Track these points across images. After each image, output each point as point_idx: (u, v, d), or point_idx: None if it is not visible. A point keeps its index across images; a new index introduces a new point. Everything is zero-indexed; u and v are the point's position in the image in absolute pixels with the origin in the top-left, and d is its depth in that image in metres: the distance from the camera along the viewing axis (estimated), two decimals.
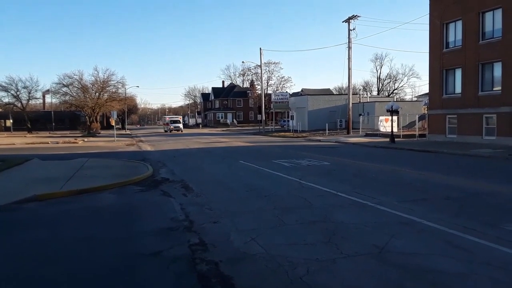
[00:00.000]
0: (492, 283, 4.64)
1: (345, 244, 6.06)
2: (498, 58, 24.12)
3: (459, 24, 26.89)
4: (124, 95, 71.01)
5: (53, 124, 75.37)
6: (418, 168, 15.04)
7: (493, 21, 24.64)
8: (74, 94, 62.83)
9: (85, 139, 40.98)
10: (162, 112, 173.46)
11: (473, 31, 25.64)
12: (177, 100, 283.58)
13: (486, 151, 19.87)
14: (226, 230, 7.04)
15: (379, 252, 5.71)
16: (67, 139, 39.68)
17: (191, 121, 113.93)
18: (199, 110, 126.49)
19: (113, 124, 42.74)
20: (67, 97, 63.34)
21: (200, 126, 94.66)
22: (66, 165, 16.57)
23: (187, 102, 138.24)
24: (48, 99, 78.60)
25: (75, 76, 61.80)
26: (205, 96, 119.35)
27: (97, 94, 63.39)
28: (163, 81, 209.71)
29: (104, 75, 64.01)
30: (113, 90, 66.54)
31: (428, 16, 29.59)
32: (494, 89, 24.82)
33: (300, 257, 5.55)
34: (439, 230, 6.69)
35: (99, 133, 57.22)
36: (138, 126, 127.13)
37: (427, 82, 30.51)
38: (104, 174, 13.68)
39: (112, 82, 64.79)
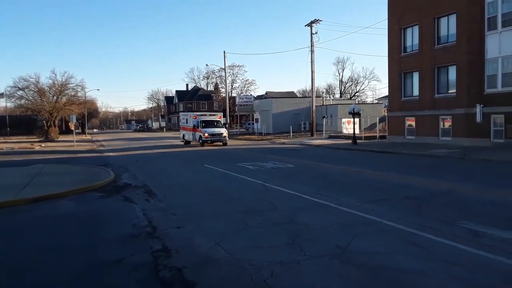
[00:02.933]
0: (450, 279, 4.81)
1: (309, 246, 6.12)
2: (452, 62, 25.20)
3: (416, 29, 27.91)
4: (84, 98, 68.92)
5: (8, 129, 72.02)
6: (378, 169, 15.44)
7: (448, 26, 25.75)
8: (30, 97, 60.33)
9: (43, 145, 39.39)
10: (124, 116, 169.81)
11: (429, 36, 26.68)
12: (140, 103, 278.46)
13: (442, 152, 20.68)
14: (190, 235, 6.95)
15: (342, 252, 5.80)
16: (23, 145, 38.01)
17: (155, 125, 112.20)
18: (162, 113, 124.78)
19: (73, 128, 41.29)
20: (22, 101, 60.66)
21: (164, 129, 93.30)
22: (22, 171, 15.88)
23: (150, 105, 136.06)
24: (2, 103, 75.18)
25: (31, 79, 59.31)
26: (168, 99, 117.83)
27: (55, 97, 61.17)
28: (126, 84, 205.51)
29: (62, 78, 61.80)
30: (72, 93, 64.34)
31: (387, 21, 30.57)
32: (449, 91, 25.90)
33: (265, 260, 5.56)
34: (399, 229, 6.88)
35: (58, 138, 55.24)
36: (96, 130, 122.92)
37: (387, 85, 31.47)
38: (62, 181, 13.20)
39: (71, 85, 62.63)
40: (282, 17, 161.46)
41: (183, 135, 35.85)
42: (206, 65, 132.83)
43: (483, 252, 5.58)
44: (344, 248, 5.97)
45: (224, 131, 32.34)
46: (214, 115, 36.55)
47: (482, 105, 22.78)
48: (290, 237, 6.58)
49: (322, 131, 41.24)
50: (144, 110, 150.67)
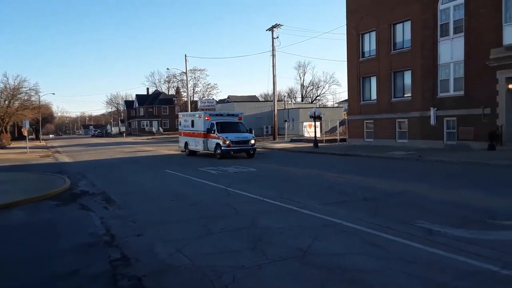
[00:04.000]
0: (405, 277, 4.95)
1: (270, 249, 6.13)
2: (408, 67, 26.17)
3: (373, 35, 28.79)
4: (38, 103, 66.26)
5: None
6: (339, 171, 15.75)
7: (403, 33, 26.73)
8: None
9: None
10: (81, 121, 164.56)
11: (385, 41, 27.58)
12: (99, 108, 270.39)
13: (399, 153, 21.38)
14: (150, 242, 6.80)
15: (303, 255, 5.85)
16: None
17: (114, 130, 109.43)
18: (122, 118, 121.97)
19: (26, 134, 39.52)
20: None
21: (124, 134, 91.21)
22: None
23: (109, 110, 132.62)
24: None
25: None
26: (128, 103, 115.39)
27: (6, 102, 58.44)
28: (83, 88, 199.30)
29: (14, 82, 59.23)
30: (25, 97, 61.71)
31: (345, 27, 31.35)
32: (405, 95, 26.86)
33: (226, 265, 5.51)
34: (358, 230, 7.03)
35: (10, 145, 52.72)
36: (52, 136, 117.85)
37: (347, 89, 32.22)
38: (15, 189, 12.59)
39: (24, 89, 60.11)
40: (244, 22, 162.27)
41: (186, 143, 26.52)
42: (167, 68, 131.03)
43: (437, 250, 5.78)
44: (305, 250, 6.02)
45: (251, 138, 23.14)
46: (232, 114, 26.12)
47: (435, 109, 23.77)
48: (252, 242, 6.57)
49: (284, 134, 41.66)
50: (103, 114, 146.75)
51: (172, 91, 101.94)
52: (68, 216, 9.37)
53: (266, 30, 40.79)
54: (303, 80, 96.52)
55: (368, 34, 29.42)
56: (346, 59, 31.55)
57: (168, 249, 6.33)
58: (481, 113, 21.34)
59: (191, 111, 57.11)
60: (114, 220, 8.57)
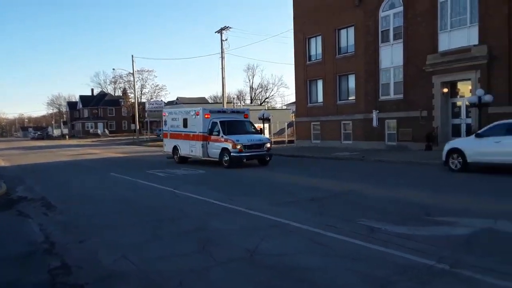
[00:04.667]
0: (348, 273, 5.14)
1: (219, 251, 6.13)
2: (352, 71, 27.15)
3: (319, 39, 29.61)
4: None
5: None
6: (287, 172, 16.03)
7: (347, 38, 27.74)
8: None
9: None
10: (20, 123, 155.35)
11: (331, 46, 28.46)
12: (39, 109, 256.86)
13: (345, 154, 22.13)
14: (93, 249, 6.56)
15: (251, 256, 5.90)
16: None
17: (56, 132, 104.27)
18: (65, 120, 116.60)
19: None
20: None
21: (67, 137, 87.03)
22: None
23: (50, 111, 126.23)
24: None
25: None
26: (71, 104, 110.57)
27: None
28: (22, 88, 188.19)
29: None
30: None
31: (293, 31, 31.98)
32: (349, 98, 27.86)
33: (174, 270, 5.44)
34: (304, 230, 7.20)
35: None
36: None
37: (294, 91, 32.86)
38: None
39: None
40: (193, 23, 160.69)
41: (175, 148, 21.36)
42: (113, 69, 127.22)
43: (378, 247, 6.05)
44: (253, 251, 6.07)
45: (267, 141, 19.01)
46: (237, 111, 21.33)
47: (377, 111, 24.84)
48: (200, 244, 6.53)
49: None
50: (44, 116, 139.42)
51: (118, 92, 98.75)
52: (3, 223, 8.82)
53: (215, 32, 40.64)
54: (252, 82, 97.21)
55: (314, 38, 30.20)
56: (293, 63, 32.20)
57: (112, 255, 6.14)
58: (418, 115, 22.57)
59: (138, 113, 55.65)
60: (54, 227, 8.18)
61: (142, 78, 76.52)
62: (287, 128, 38.77)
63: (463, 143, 14.68)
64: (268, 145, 18.61)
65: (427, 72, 22.07)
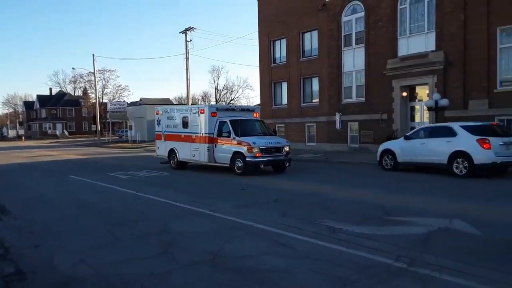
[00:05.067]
0: (311, 273, 5.20)
1: (181, 254, 6.05)
2: (315, 74, 27.59)
3: (284, 42, 29.92)
4: None
5: None
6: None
7: (311, 41, 28.18)
8: None
9: None
10: None
11: (295, 49, 28.82)
12: None
13: (309, 156, 22.44)
14: (50, 254, 6.31)
15: (214, 258, 5.86)
16: None
17: (11, 133, 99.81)
18: (21, 120, 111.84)
19: None
20: None
21: (23, 138, 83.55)
22: None
23: (6, 111, 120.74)
24: None
25: None
26: (28, 104, 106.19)
27: None
28: None
29: None
30: None
31: (258, 33, 32.14)
32: (313, 101, 28.30)
33: (134, 273, 5.32)
34: (268, 231, 7.23)
35: None
36: None
37: (259, 93, 33.03)
38: None
39: None
40: (157, 23, 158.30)
41: (172, 151, 18.60)
42: (73, 68, 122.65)
43: (340, 247, 6.16)
44: (216, 253, 6.03)
45: (286, 144, 16.54)
46: (247, 109, 18.64)
47: (340, 114, 25.34)
48: (162, 247, 6.42)
49: None
50: None
51: (78, 92, 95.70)
52: None
53: (180, 33, 40.26)
54: (217, 84, 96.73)
55: (279, 41, 30.48)
56: (258, 65, 32.35)
57: (70, 260, 5.92)
58: (379, 118, 23.22)
59: (100, 114, 54.15)
60: (8, 231, 7.81)
61: (103, 78, 74.54)
62: None
63: (394, 144, 16.10)
64: (287, 148, 16.32)
65: (387, 76, 22.74)
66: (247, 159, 15.11)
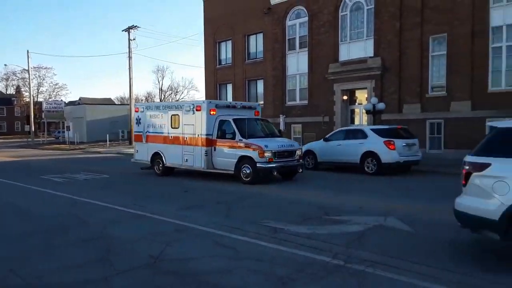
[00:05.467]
0: (252, 274, 5.25)
1: (120, 260, 5.87)
2: (260, 76, 27.92)
3: (229, 44, 29.99)
4: None
5: None
6: (191, 175, 15.71)
7: (256, 44, 28.49)
8: None
9: None
10: None
11: (240, 51, 28.98)
12: None
13: None
14: None
15: (154, 262, 5.74)
16: None
17: None
18: None
19: None
20: None
21: None
22: None
23: None
24: None
25: None
26: None
27: None
28: None
29: None
30: None
31: (203, 34, 31.96)
32: (258, 103, 28.54)
33: (68, 282, 5.09)
34: (210, 233, 7.20)
35: None
36: None
37: (204, 95, 32.79)
38: None
39: None
40: (99, 20, 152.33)
41: (156, 156, 16.12)
42: (5, 65, 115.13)
43: (280, 247, 6.27)
44: (156, 257, 5.92)
45: (298, 147, 14.64)
46: (249, 107, 16.35)
47: (284, 116, 25.77)
48: (99, 253, 6.19)
49: None
50: None
51: (11, 90, 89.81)
52: None
53: (122, 31, 39.08)
54: (162, 84, 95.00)
55: (225, 42, 30.51)
56: (204, 66, 32.15)
57: None
58: (321, 120, 23.93)
59: (34, 113, 51.13)
60: None
61: (39, 76, 70.58)
62: None
63: (315, 145, 17.56)
64: (299, 152, 14.42)
65: (329, 80, 23.50)
66: (258, 165, 13.07)
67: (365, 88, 22.36)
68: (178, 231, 7.42)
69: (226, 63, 30.43)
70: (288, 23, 25.99)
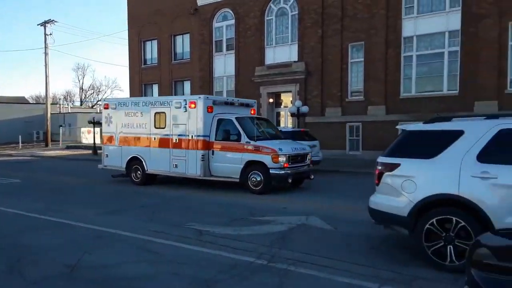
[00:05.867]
0: (176, 278, 5.17)
1: (31, 271, 5.46)
2: (187, 77, 27.60)
3: (155, 43, 29.29)
4: None
5: None
6: (115, 179, 15.09)
7: (183, 45, 28.11)
8: None
9: None
10: None
11: (167, 51, 28.42)
12: None
13: None
14: None
15: (71, 271, 5.43)
16: None
17: None
18: None
19: None
20: None
21: None
22: None
23: None
24: None
25: None
26: None
27: None
28: None
29: None
30: None
31: (127, 32, 30.85)
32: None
33: None
34: (133, 238, 6.97)
35: None
36: None
37: (129, 95, 31.66)
38: None
39: None
40: (11, 13, 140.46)
41: (134, 160, 13.75)
42: None
43: (205, 249, 6.25)
44: (73, 266, 5.60)
45: (309, 150, 13.01)
46: (247, 104, 14.23)
47: None
48: (8, 265, 5.71)
49: (59, 141, 38.01)
50: None
51: None
52: None
53: (38, 25, 36.43)
54: (82, 83, 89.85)
55: (150, 42, 29.74)
56: (128, 65, 31.06)
57: None
58: None
59: None
60: None
61: None
62: None
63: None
64: (310, 156, 12.80)
65: (255, 83, 23.87)
66: (271, 172, 11.29)
67: (290, 91, 23.04)
68: (98, 237, 7.07)
69: (152, 63, 29.65)
70: (215, 24, 25.98)
